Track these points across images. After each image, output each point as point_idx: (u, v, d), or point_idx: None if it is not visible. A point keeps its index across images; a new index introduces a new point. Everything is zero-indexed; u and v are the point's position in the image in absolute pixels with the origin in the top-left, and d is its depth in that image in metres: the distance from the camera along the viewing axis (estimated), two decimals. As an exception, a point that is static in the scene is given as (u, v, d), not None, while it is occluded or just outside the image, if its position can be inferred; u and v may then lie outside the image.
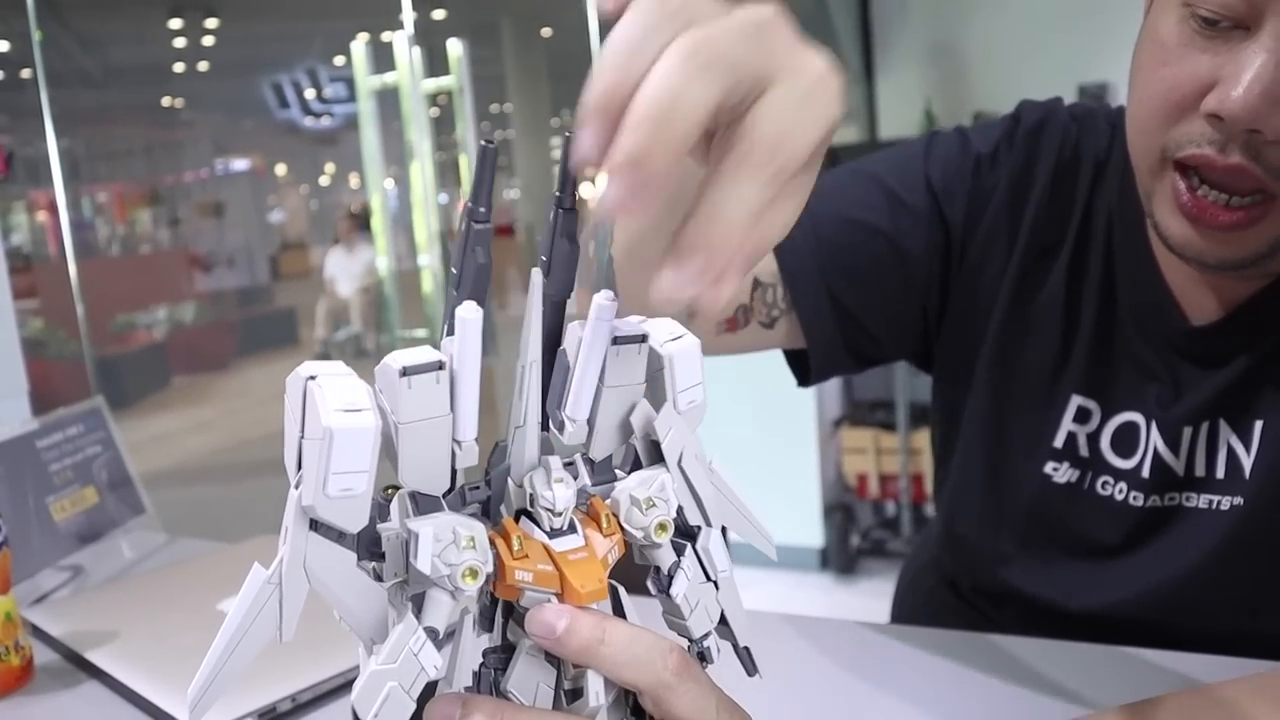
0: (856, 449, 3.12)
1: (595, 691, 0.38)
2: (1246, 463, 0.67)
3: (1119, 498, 0.73)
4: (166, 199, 9.42)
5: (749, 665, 0.42)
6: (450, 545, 0.34)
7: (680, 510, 0.39)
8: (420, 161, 2.63)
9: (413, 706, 0.36)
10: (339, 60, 9.18)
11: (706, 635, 0.40)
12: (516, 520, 0.38)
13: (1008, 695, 0.65)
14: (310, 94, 9.11)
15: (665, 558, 0.40)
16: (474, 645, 0.38)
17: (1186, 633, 0.70)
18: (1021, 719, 0.62)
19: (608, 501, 0.38)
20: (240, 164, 10.41)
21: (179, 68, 9.51)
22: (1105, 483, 0.73)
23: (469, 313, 0.34)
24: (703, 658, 0.40)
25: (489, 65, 8.79)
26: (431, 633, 0.35)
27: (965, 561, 0.85)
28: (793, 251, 0.75)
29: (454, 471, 0.37)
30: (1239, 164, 0.55)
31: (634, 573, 0.41)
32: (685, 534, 0.40)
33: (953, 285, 0.78)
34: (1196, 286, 0.68)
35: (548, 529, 0.37)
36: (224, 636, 0.34)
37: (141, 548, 1.08)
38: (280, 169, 11.20)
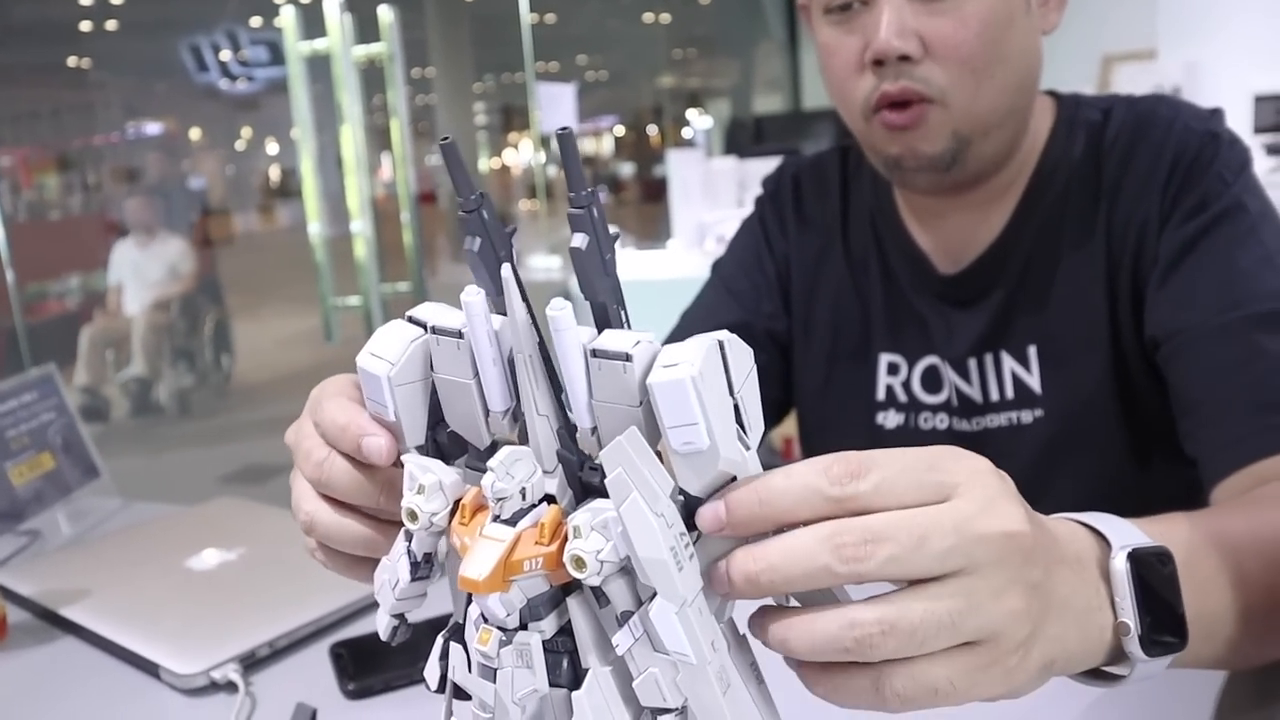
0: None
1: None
2: (1032, 381, 0.82)
3: (942, 427, 0.86)
4: (77, 163, 9.08)
5: None
6: (414, 485, 0.37)
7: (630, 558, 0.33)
8: (352, 127, 2.62)
9: (392, 601, 0.39)
10: (255, 21, 8.93)
11: (664, 712, 0.34)
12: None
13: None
14: (226, 55, 8.83)
15: (618, 599, 0.34)
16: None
17: None
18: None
19: (570, 516, 0.34)
20: (153, 128, 10.07)
21: (86, 26, 9.14)
22: (926, 418, 0.87)
23: (468, 296, 0.35)
24: None
25: (411, 30, 8.62)
26: (409, 551, 0.38)
27: None
28: None
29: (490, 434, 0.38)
30: (905, 85, 0.73)
31: None
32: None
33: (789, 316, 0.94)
34: (940, 244, 0.85)
35: (495, 512, 0.35)
36: None
37: (98, 512, 1.10)
38: (195, 133, 10.86)
